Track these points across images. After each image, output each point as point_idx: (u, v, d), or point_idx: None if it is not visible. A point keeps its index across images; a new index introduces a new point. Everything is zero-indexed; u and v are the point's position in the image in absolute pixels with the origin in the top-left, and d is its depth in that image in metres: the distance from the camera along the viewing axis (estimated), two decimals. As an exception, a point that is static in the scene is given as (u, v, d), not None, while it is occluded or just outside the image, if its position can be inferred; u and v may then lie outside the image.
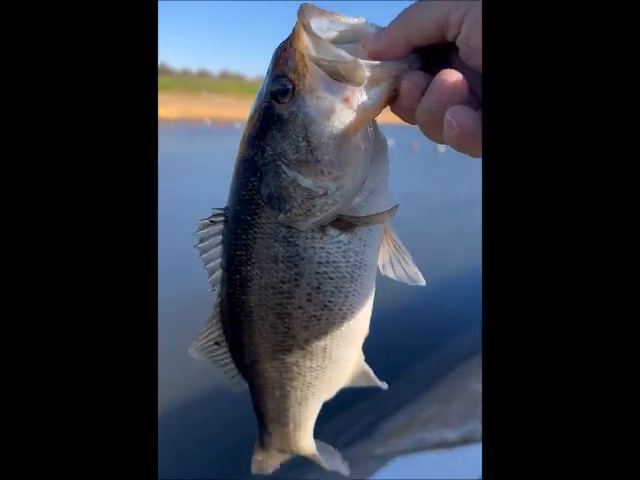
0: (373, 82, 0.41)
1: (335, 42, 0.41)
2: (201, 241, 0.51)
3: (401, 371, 3.61)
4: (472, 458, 2.11)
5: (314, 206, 0.43)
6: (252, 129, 0.45)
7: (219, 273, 0.52)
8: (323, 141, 0.42)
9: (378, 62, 0.41)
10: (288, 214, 0.44)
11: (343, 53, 0.40)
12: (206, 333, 0.56)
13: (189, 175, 10.48)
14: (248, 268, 0.49)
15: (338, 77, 0.40)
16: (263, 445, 0.67)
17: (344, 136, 0.41)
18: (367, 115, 0.42)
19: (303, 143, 0.42)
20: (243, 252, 0.49)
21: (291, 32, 0.41)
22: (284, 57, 0.42)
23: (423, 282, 0.47)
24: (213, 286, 0.53)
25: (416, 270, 0.47)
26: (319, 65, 0.40)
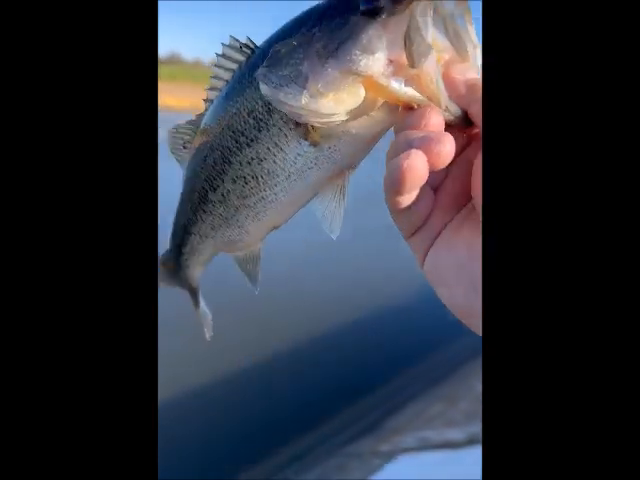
0: (417, 80, 0.40)
1: (441, 25, 0.41)
2: (222, 56, 0.54)
3: (406, 368, 3.60)
4: (477, 460, 2.08)
5: (286, 86, 0.44)
6: (328, 2, 0.46)
7: (215, 93, 0.56)
8: (343, 61, 0.41)
9: (440, 79, 0.40)
10: (267, 72, 0.45)
11: (430, 37, 0.40)
12: (182, 132, 0.62)
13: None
14: (230, 104, 0.52)
15: (407, 44, 0.40)
16: (165, 259, 0.74)
17: (356, 76, 0.41)
18: (383, 87, 0.41)
19: (334, 46, 0.42)
20: (237, 89, 0.52)
21: None
22: None
23: (334, 235, 0.49)
24: (206, 99, 0.57)
25: (338, 222, 0.49)
26: (409, 21, 0.40)
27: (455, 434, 2.65)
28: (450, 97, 0.41)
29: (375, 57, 0.40)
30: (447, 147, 0.39)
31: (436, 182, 0.44)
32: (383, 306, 4.27)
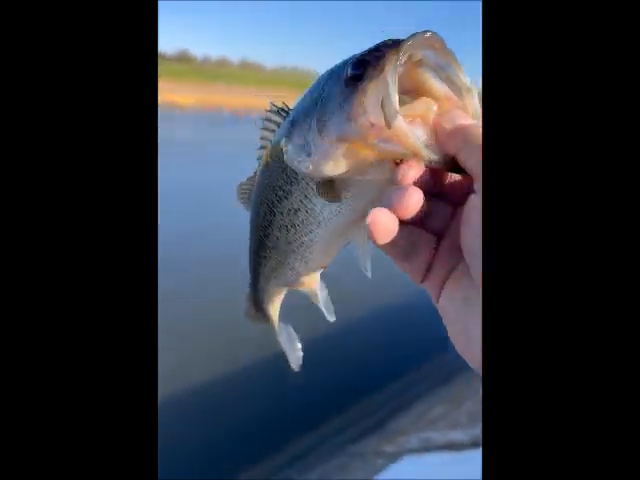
0: (397, 139, 0.43)
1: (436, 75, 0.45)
2: (266, 119, 0.62)
3: (411, 368, 3.58)
4: (480, 461, 2.07)
5: (298, 155, 0.50)
6: (332, 69, 0.51)
7: (263, 151, 0.63)
8: (333, 130, 0.46)
9: (414, 136, 0.43)
10: (287, 141, 0.52)
11: (396, 100, 0.42)
12: (245, 187, 0.71)
13: (205, 161, 10.51)
14: (270, 161, 0.60)
15: (382, 107, 0.43)
16: (247, 297, 0.84)
17: (345, 142, 0.45)
18: (372, 148, 0.45)
19: (327, 116, 0.47)
20: (275, 148, 0.58)
21: (399, 42, 0.43)
22: (377, 53, 0.44)
23: (368, 274, 0.53)
24: (258, 158, 0.65)
25: (367, 263, 0.54)
26: (383, 85, 0.43)
27: (459, 436, 2.63)
28: (439, 145, 0.44)
29: (358, 123, 0.44)
30: (412, 198, 0.42)
31: (442, 226, 0.47)
32: (387, 305, 4.25)
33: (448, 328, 0.46)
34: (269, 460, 2.65)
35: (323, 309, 0.71)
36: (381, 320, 4.03)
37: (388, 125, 0.42)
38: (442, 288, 0.46)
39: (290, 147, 0.51)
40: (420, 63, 0.44)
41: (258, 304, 0.81)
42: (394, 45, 0.43)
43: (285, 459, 2.66)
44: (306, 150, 0.49)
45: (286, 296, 0.78)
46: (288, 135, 0.52)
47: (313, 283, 0.69)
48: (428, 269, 0.47)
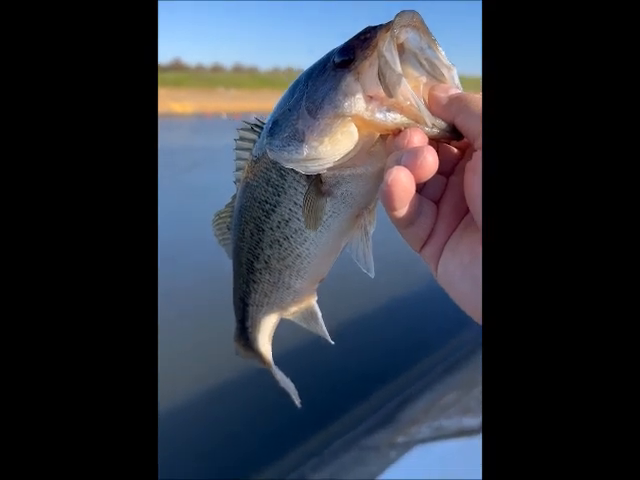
0: (398, 107, 0.44)
1: (414, 60, 0.46)
2: (239, 139, 0.60)
3: (421, 356, 3.58)
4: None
5: (288, 145, 0.48)
6: (310, 69, 0.51)
7: (241, 172, 0.61)
8: (328, 108, 0.46)
9: (418, 100, 0.44)
10: (270, 140, 0.50)
11: (399, 67, 0.43)
12: (224, 215, 0.68)
13: (205, 167, 10.52)
14: (251, 177, 0.58)
15: (381, 79, 0.43)
16: (235, 336, 0.78)
17: (343, 118, 0.45)
18: (370, 121, 0.45)
19: (319, 100, 0.47)
20: (255, 163, 0.58)
21: (387, 23, 0.45)
22: (365, 36, 0.46)
23: (371, 274, 0.52)
24: (236, 181, 0.63)
25: (370, 261, 0.53)
26: (378, 59, 0.44)
27: (471, 421, 2.63)
28: (436, 113, 0.45)
29: (355, 97, 0.45)
30: (428, 158, 0.42)
31: (437, 195, 0.48)
32: (391, 298, 4.25)
33: (451, 290, 0.46)
34: (282, 459, 2.65)
35: (323, 329, 0.69)
36: (385, 313, 4.02)
37: (391, 93, 0.43)
38: (442, 250, 0.47)
39: (276, 142, 0.50)
40: (401, 46, 0.45)
41: (248, 344, 0.77)
42: (383, 25, 0.45)
43: (298, 457, 2.66)
44: (297, 137, 0.48)
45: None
46: (271, 133, 0.50)
47: (310, 300, 0.67)
48: (429, 234, 0.47)
